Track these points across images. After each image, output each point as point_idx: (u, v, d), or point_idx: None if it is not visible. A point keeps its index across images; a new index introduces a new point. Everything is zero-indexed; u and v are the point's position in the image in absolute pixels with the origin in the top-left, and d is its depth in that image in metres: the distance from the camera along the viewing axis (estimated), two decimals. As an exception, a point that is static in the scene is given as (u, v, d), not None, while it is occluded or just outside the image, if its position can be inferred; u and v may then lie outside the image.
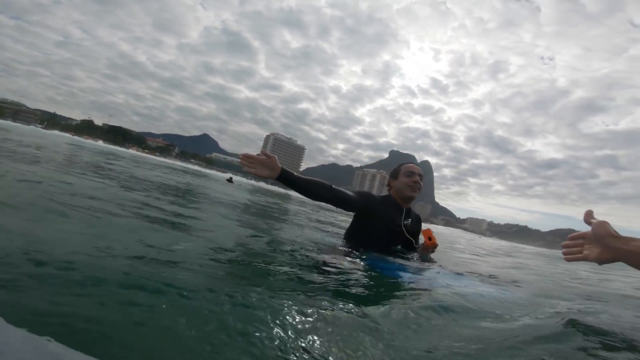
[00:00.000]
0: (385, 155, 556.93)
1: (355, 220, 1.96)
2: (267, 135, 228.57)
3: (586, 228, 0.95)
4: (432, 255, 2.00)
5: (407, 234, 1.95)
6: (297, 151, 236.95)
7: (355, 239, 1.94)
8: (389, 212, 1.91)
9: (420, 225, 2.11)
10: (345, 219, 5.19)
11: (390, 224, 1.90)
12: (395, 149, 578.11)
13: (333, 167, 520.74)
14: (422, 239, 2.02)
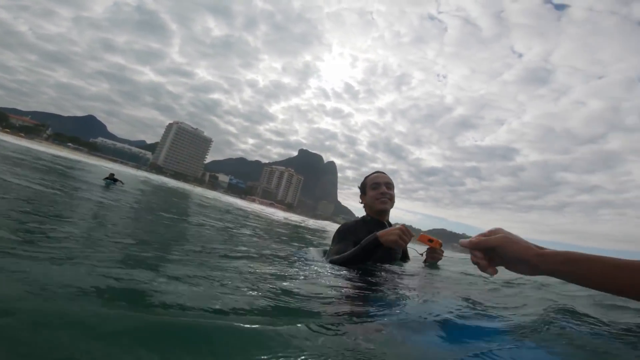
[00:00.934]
0: (295, 153, 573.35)
1: None
2: (170, 124, 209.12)
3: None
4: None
5: (397, 250, 1.84)
6: (203, 143, 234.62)
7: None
8: (372, 231, 1.68)
9: None
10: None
11: None
12: (304, 148, 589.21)
13: (241, 161, 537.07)
14: (409, 251, 1.86)
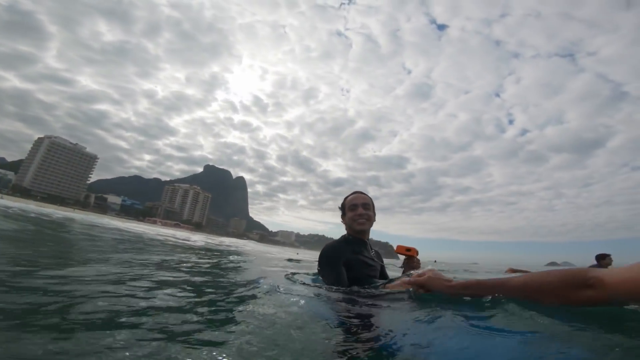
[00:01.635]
0: (200, 169, 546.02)
1: None
2: (40, 138, 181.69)
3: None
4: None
5: (381, 263, 2.01)
6: (86, 160, 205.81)
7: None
8: (356, 250, 1.87)
9: (380, 256, 2.10)
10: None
11: (364, 258, 1.87)
12: (211, 164, 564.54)
13: (136, 180, 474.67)
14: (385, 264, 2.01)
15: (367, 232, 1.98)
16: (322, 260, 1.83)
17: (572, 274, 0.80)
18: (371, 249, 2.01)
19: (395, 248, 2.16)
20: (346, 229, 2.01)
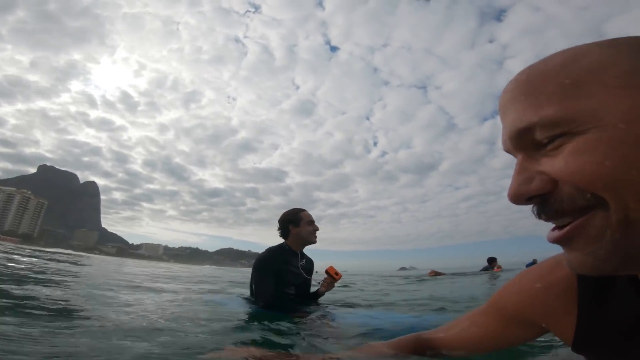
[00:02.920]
0: (32, 170, 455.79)
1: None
2: None
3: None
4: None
5: (305, 274, 2.22)
6: None
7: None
8: (287, 260, 2.13)
9: (312, 264, 2.37)
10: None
11: (292, 268, 2.15)
12: (49, 164, 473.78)
13: None
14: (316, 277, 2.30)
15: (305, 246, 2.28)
16: (257, 267, 2.06)
17: (406, 345, 0.72)
18: (301, 258, 2.24)
19: (329, 267, 2.37)
20: (291, 238, 2.20)
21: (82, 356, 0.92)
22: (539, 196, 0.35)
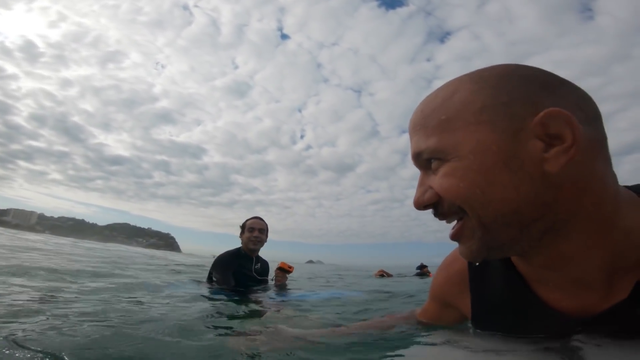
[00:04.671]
0: None
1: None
2: None
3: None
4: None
5: (258, 277, 2.58)
6: None
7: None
8: (242, 264, 2.50)
9: (268, 267, 2.76)
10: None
11: (245, 271, 2.50)
12: None
13: None
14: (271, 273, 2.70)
15: (257, 251, 2.59)
16: (216, 266, 2.47)
17: (405, 321, 0.82)
18: (256, 262, 2.62)
19: (280, 263, 2.66)
20: (242, 245, 2.57)
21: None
22: (432, 204, 0.48)
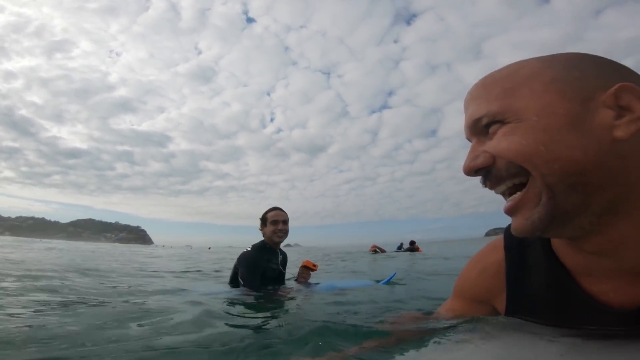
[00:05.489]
0: None
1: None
2: None
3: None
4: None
5: (281, 269, 2.50)
6: None
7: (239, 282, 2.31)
8: (269, 259, 2.39)
9: (287, 258, 2.63)
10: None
11: (272, 266, 2.40)
12: None
13: None
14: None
15: (280, 243, 2.46)
16: (246, 264, 2.30)
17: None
18: (280, 254, 2.52)
19: (305, 262, 2.59)
20: (264, 237, 2.43)
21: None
22: (483, 168, 0.49)
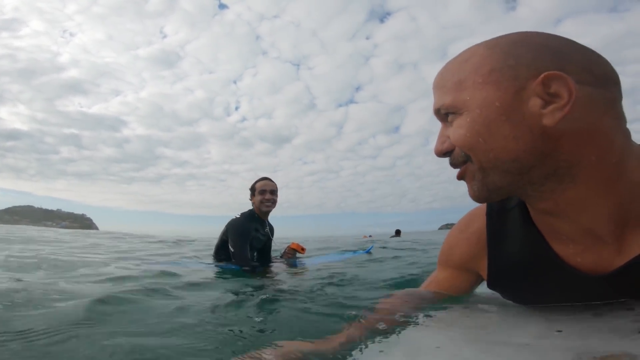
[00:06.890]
0: None
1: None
2: None
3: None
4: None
5: (270, 236, 2.59)
6: None
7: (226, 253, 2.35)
8: (257, 228, 2.44)
9: (273, 230, 2.65)
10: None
11: (260, 235, 2.46)
12: None
13: None
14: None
15: (269, 213, 2.50)
16: (236, 232, 2.33)
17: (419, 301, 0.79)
18: (268, 224, 2.56)
19: (292, 244, 2.76)
20: (254, 207, 2.50)
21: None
22: (448, 152, 0.55)
